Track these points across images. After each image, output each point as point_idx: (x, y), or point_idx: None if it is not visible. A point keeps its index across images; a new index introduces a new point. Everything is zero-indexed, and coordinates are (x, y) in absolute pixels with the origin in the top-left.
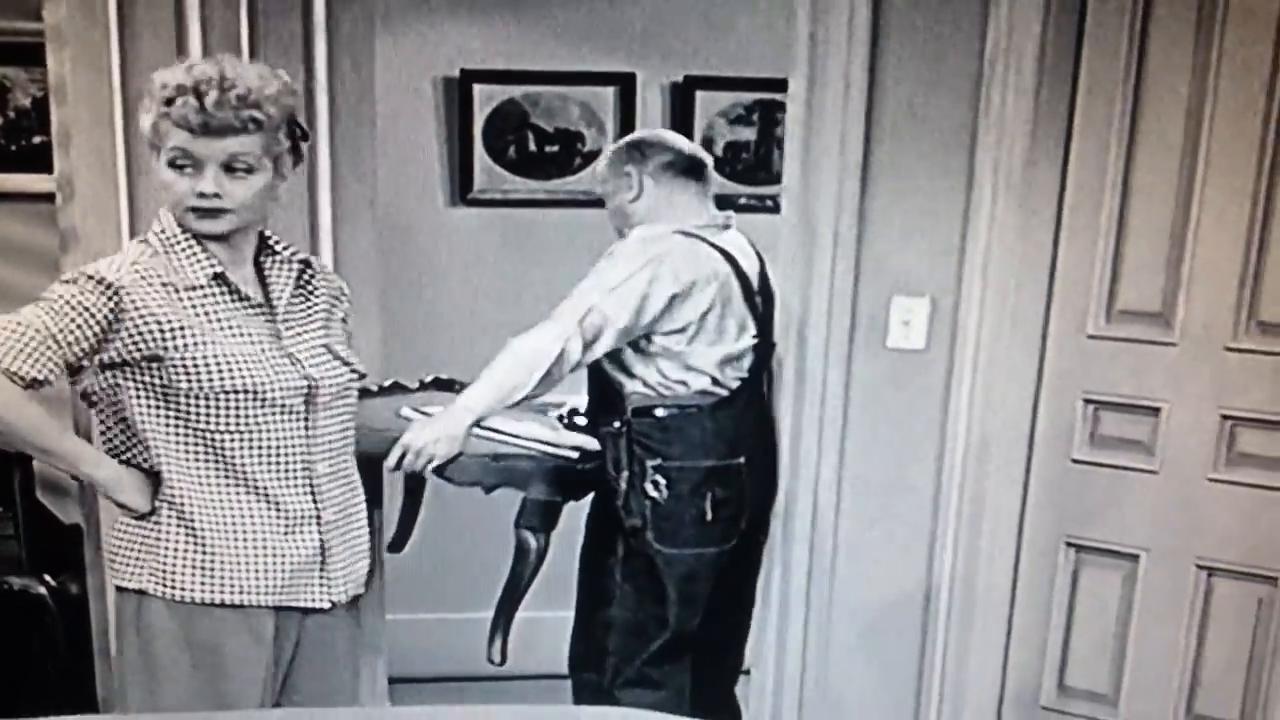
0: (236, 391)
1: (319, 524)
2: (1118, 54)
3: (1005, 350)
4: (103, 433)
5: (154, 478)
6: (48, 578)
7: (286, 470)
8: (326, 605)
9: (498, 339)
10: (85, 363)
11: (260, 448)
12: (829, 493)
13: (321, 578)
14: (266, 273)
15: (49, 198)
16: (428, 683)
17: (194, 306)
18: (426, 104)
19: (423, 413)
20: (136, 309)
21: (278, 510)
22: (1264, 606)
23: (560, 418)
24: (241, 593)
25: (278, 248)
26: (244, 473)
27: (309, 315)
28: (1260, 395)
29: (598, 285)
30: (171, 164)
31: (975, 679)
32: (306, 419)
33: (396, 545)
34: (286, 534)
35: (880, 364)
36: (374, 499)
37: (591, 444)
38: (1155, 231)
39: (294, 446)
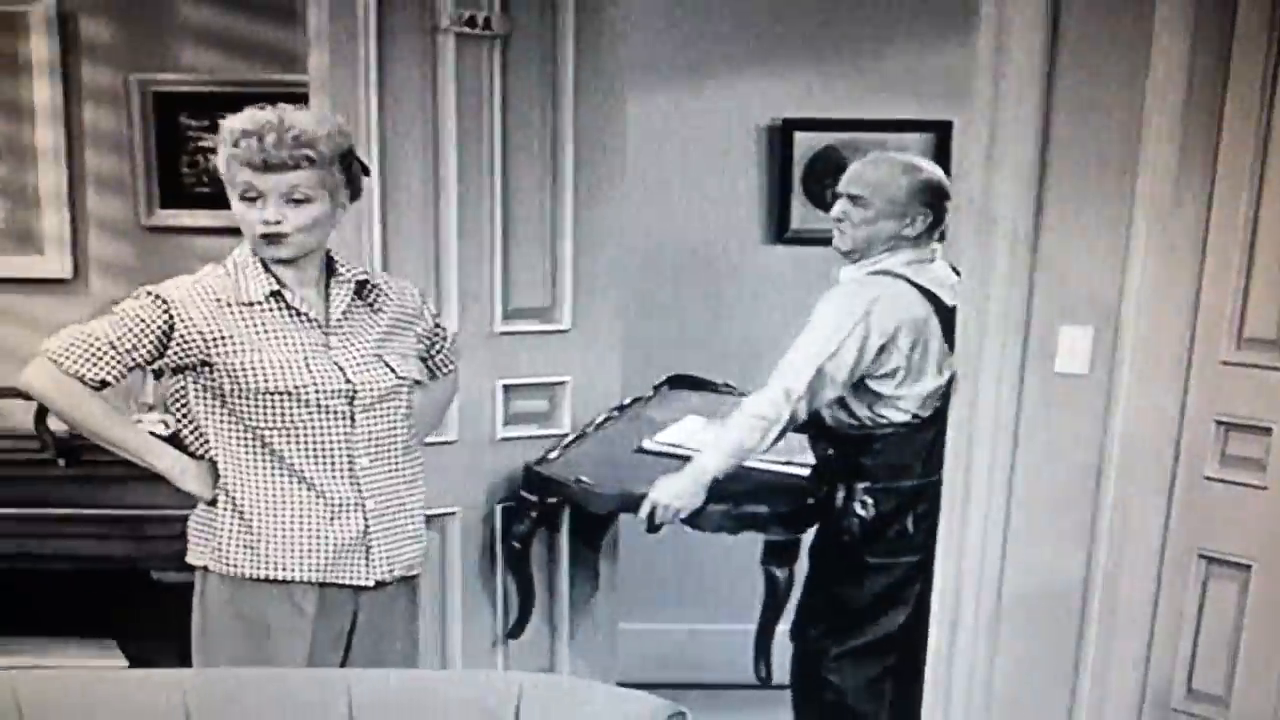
0: (277, 393)
1: (363, 511)
2: (1252, 100)
3: (1155, 375)
4: (180, 430)
5: (217, 468)
6: None
7: (330, 463)
8: (371, 583)
9: None
10: (153, 366)
11: (304, 443)
12: (999, 506)
13: (367, 559)
14: (329, 291)
15: None
16: (654, 688)
17: (247, 320)
18: (748, 150)
19: (665, 445)
20: (183, 321)
21: (322, 498)
22: None
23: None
24: (285, 570)
25: (340, 270)
26: (290, 464)
27: (365, 327)
28: None
29: (817, 345)
30: (242, 196)
31: (1119, 681)
32: (350, 418)
33: None
34: (331, 520)
35: (1048, 387)
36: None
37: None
38: (1273, 268)
39: (337, 442)
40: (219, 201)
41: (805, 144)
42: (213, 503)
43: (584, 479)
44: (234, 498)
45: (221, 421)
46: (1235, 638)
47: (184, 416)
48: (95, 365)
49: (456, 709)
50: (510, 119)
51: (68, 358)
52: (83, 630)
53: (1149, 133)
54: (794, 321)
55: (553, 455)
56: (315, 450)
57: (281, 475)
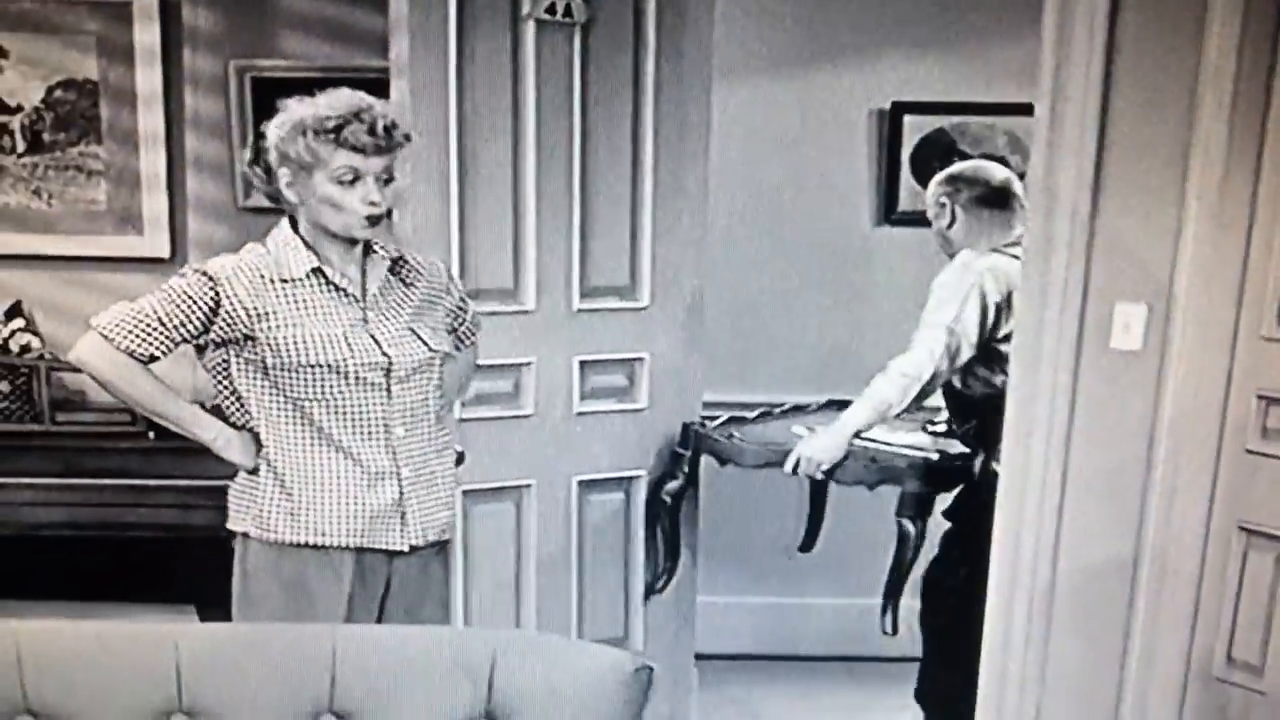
0: (317, 365)
1: (398, 479)
2: None
3: (1203, 351)
4: (221, 401)
5: (259, 439)
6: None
7: (367, 433)
8: (405, 548)
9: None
10: (198, 341)
11: (343, 414)
12: (1055, 480)
13: (402, 524)
14: (366, 268)
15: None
16: (730, 660)
17: (288, 296)
18: (859, 133)
19: (809, 429)
20: (229, 298)
21: (359, 467)
22: None
23: (926, 424)
24: (324, 535)
25: (376, 248)
26: (329, 434)
27: (400, 302)
28: None
29: (947, 308)
30: (338, 180)
31: (1166, 651)
32: (387, 390)
33: (806, 546)
34: (367, 487)
35: (1103, 363)
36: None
37: (952, 447)
38: None
39: (374, 413)
40: None
41: (914, 127)
42: (254, 471)
43: (735, 434)
44: (275, 467)
45: (263, 393)
46: (1271, 608)
47: (226, 389)
48: (145, 341)
49: (437, 664)
50: (591, 104)
51: (118, 333)
52: (165, 597)
53: (1201, 114)
54: (905, 298)
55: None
56: (354, 420)
57: (321, 445)
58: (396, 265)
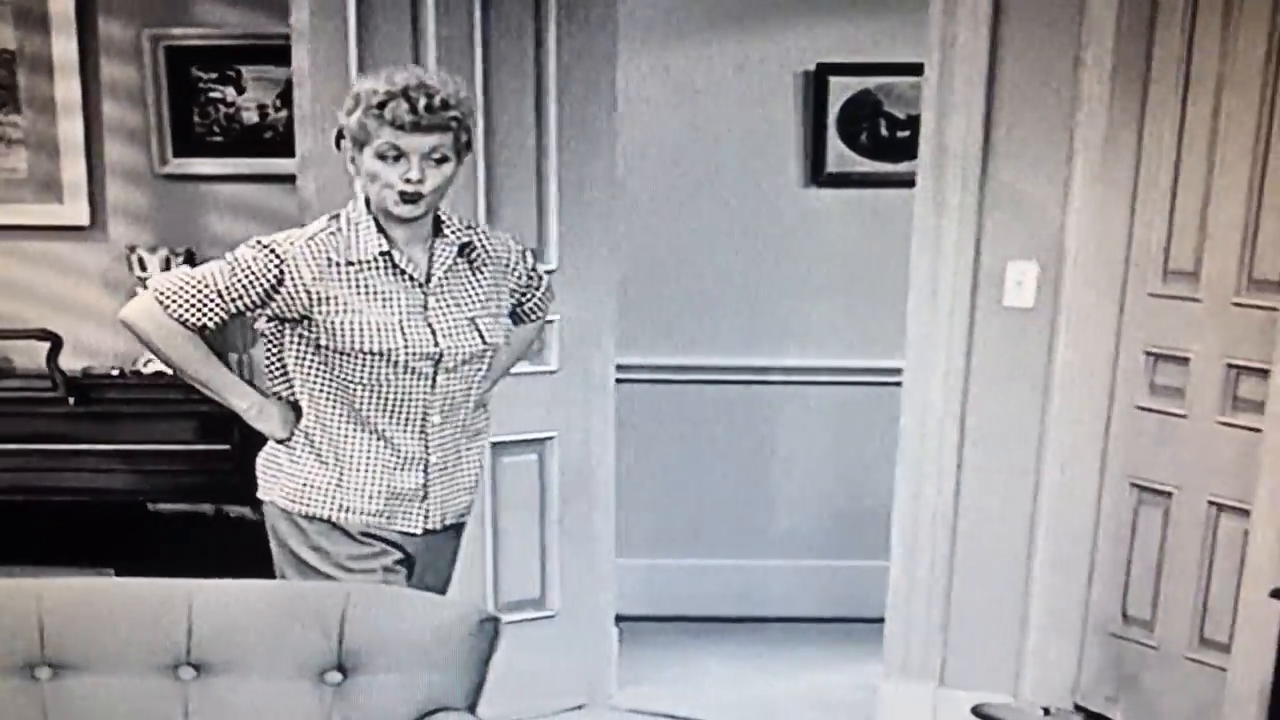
0: (370, 353)
1: (425, 465)
2: (1175, 40)
3: (1094, 309)
4: (266, 366)
5: (295, 411)
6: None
7: (405, 419)
8: (418, 531)
9: (850, 305)
10: (252, 314)
11: (385, 399)
12: (953, 435)
13: (419, 509)
14: (434, 252)
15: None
16: (651, 621)
17: (352, 279)
18: (786, 95)
19: None
20: (293, 278)
21: (392, 450)
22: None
23: None
24: (346, 511)
25: (446, 230)
26: (368, 418)
27: (464, 289)
28: (1256, 346)
29: None
30: (380, 155)
31: (1065, 604)
32: (432, 380)
33: None
34: (396, 470)
35: (997, 321)
36: None
37: None
38: (1192, 201)
39: (415, 401)
40: (230, 150)
41: (840, 88)
42: (283, 442)
43: None
44: (312, 440)
45: (310, 370)
46: (1161, 563)
47: (274, 355)
48: (200, 311)
49: (290, 616)
50: (494, 68)
51: (175, 301)
52: (84, 560)
53: (1085, 73)
54: (833, 259)
55: None
56: (394, 406)
57: (357, 426)
58: (466, 250)
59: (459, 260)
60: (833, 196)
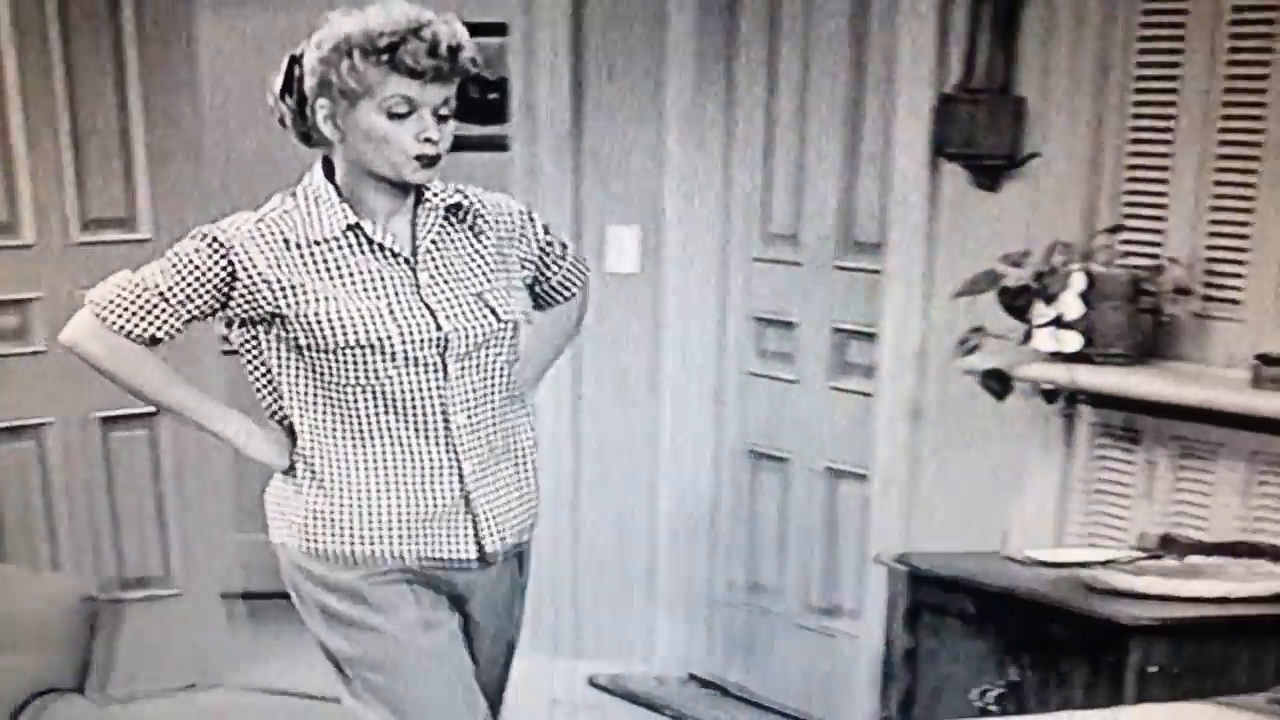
0: (358, 346)
1: (459, 475)
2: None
3: (697, 273)
4: (253, 386)
5: (293, 432)
6: None
7: (421, 423)
8: (472, 556)
9: None
10: (211, 319)
11: (391, 401)
12: (566, 409)
13: (466, 528)
14: (417, 220)
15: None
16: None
17: (319, 261)
18: None
19: None
20: (246, 270)
21: (411, 461)
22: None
23: None
24: (372, 543)
25: (428, 194)
26: (373, 426)
27: (463, 259)
28: (860, 309)
29: None
30: (389, 112)
31: (690, 573)
32: (442, 370)
33: None
34: (422, 485)
35: (602, 287)
36: None
37: None
38: (787, 164)
39: (427, 398)
40: None
41: None
42: (289, 471)
43: None
44: (312, 464)
45: (297, 378)
46: (783, 530)
47: (259, 372)
48: (144, 320)
49: None
50: (72, 34)
51: (113, 311)
52: None
53: (671, 33)
54: None
55: None
56: (404, 408)
57: (364, 437)
58: (456, 211)
59: (450, 225)
60: None
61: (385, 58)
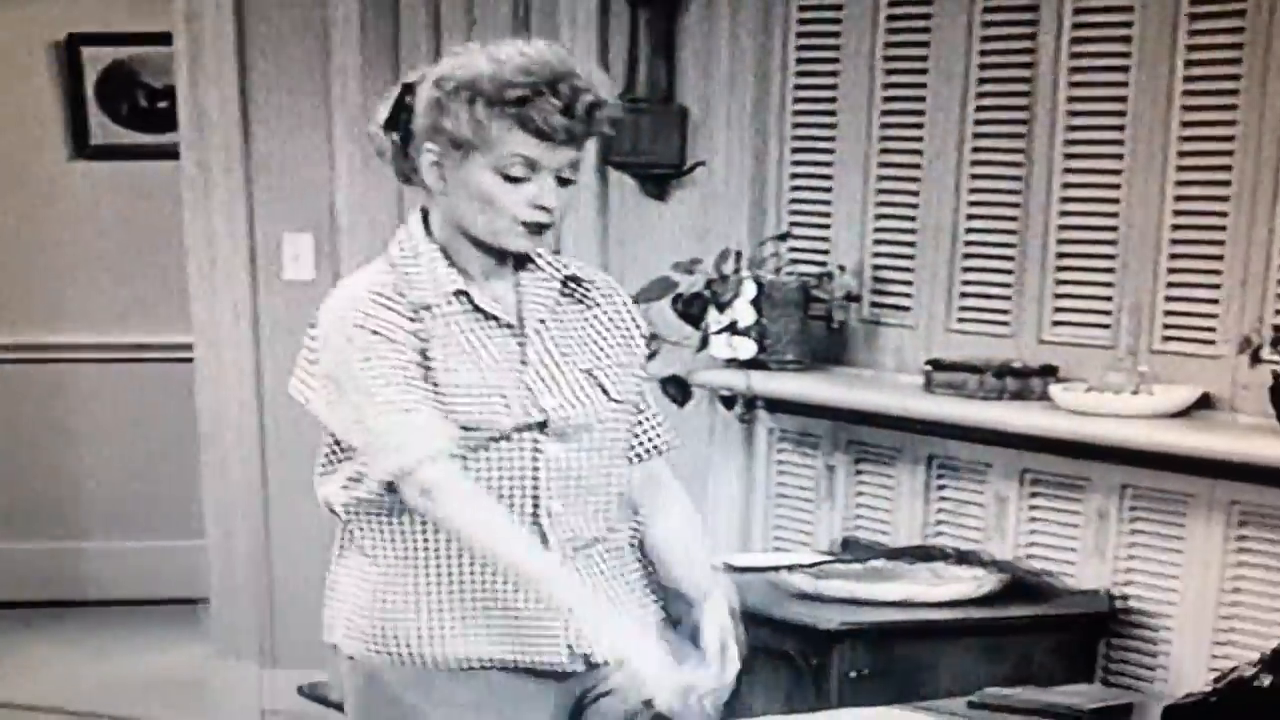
0: (462, 427)
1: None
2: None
3: None
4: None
5: (344, 512)
6: None
7: (509, 509)
8: (568, 663)
9: (130, 281)
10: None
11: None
12: (252, 421)
13: (562, 629)
14: (522, 287)
15: None
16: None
17: (424, 331)
18: (39, 67)
19: None
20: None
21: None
22: None
23: None
24: (436, 640)
25: (540, 260)
26: None
27: (575, 334)
28: None
29: None
30: (504, 172)
31: None
32: (538, 452)
33: None
34: (505, 582)
35: (280, 295)
36: None
37: None
38: None
39: (520, 483)
40: None
41: (94, 59)
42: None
43: None
44: (375, 555)
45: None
46: None
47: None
48: (438, 427)
49: None
50: None
51: (429, 451)
52: None
53: (335, 40)
54: (105, 233)
55: None
56: (489, 490)
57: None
58: (570, 285)
59: (562, 299)
60: (102, 169)
61: (512, 111)
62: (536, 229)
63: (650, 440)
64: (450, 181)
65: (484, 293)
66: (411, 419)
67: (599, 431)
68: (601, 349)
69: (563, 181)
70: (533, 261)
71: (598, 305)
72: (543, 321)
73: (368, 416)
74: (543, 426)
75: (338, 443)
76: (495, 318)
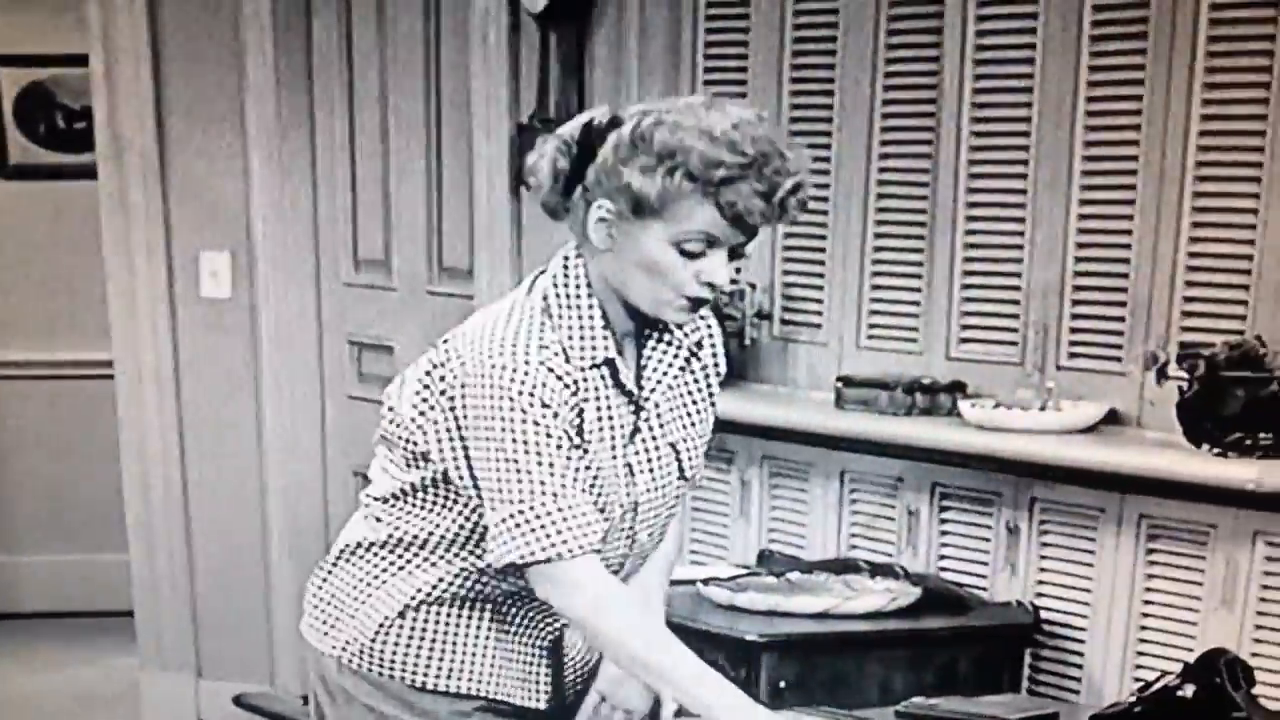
0: None
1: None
2: (335, 31)
3: (289, 297)
4: (396, 511)
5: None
6: None
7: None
8: (542, 706)
9: (51, 299)
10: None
11: None
12: (173, 438)
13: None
14: (644, 351)
15: None
16: None
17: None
18: None
19: None
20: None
21: (521, 617)
22: None
23: None
24: (448, 679)
25: (671, 327)
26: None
27: (677, 405)
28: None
29: None
30: (679, 245)
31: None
32: (631, 535)
33: None
34: (515, 645)
35: (198, 313)
36: None
37: None
38: (373, 192)
39: (611, 560)
40: None
41: (12, 80)
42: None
43: None
44: (433, 612)
45: (445, 516)
46: None
47: (417, 501)
48: (589, 526)
49: None
50: None
51: (581, 545)
52: None
53: (249, 62)
54: (29, 254)
55: None
56: None
57: (486, 602)
58: (691, 353)
59: (680, 370)
60: (22, 189)
61: (715, 189)
62: (699, 304)
63: (694, 469)
64: (617, 240)
65: (624, 363)
66: (570, 508)
67: (672, 510)
68: (691, 421)
69: (734, 255)
70: (669, 330)
71: (702, 367)
72: (660, 396)
73: (520, 494)
74: (635, 509)
75: (445, 477)
76: (629, 392)
